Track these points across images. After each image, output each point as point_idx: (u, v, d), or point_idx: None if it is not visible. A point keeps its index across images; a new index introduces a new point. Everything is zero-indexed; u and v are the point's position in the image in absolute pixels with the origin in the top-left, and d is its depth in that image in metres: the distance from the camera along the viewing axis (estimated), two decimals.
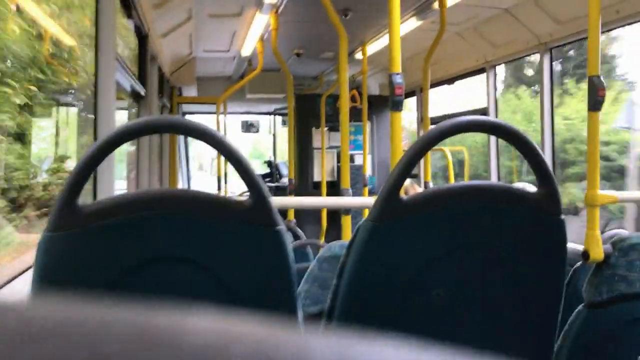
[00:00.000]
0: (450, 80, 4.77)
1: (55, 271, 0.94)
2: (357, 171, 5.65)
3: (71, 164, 2.36)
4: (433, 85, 4.48)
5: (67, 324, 0.15)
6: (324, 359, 0.15)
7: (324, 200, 3.77)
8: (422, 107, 4.55)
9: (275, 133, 8.06)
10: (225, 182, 5.39)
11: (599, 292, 1.55)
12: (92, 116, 2.08)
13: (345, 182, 2.63)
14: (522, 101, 8.99)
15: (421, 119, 4.87)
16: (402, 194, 1.10)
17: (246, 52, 4.92)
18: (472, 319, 1.13)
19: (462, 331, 1.13)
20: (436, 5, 3.41)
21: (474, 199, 1.11)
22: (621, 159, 7.48)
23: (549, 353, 1.17)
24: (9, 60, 1.81)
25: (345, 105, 2.62)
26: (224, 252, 0.99)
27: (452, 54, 4.34)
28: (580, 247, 1.66)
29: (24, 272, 1.50)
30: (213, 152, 12.66)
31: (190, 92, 6.14)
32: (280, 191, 6.82)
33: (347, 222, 2.57)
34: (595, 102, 1.77)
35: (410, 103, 5.81)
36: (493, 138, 4.07)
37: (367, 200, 2.30)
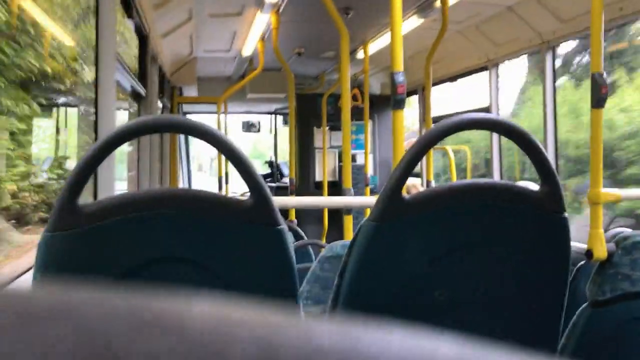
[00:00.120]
0: (452, 79, 4.76)
1: (55, 271, 0.94)
2: (358, 171, 5.64)
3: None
4: (435, 84, 4.48)
5: (66, 308, 0.15)
6: (327, 343, 0.15)
7: (326, 200, 3.76)
8: (424, 105, 4.55)
9: (276, 133, 8.06)
10: (227, 182, 5.39)
11: (602, 291, 1.55)
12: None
13: (347, 182, 2.62)
14: (564, 92, 7.37)
15: (423, 118, 4.86)
16: (404, 193, 1.09)
17: (247, 51, 4.92)
18: (475, 318, 1.12)
19: (465, 330, 1.12)
20: (438, 3, 3.40)
21: (476, 198, 1.10)
22: None
23: (552, 352, 1.16)
24: None
25: (346, 104, 2.61)
26: (225, 252, 0.98)
27: (454, 53, 4.33)
28: (584, 246, 1.65)
29: (24, 272, 1.49)
30: (212, 152, 12.70)
31: (191, 92, 6.14)
32: (281, 191, 6.81)
33: (348, 222, 2.56)
34: (598, 99, 1.77)
35: (415, 102, 5.78)
36: (495, 136, 4.06)
37: (369, 200, 2.29)
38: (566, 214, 1.12)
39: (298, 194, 5.20)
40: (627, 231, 1.68)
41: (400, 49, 1.93)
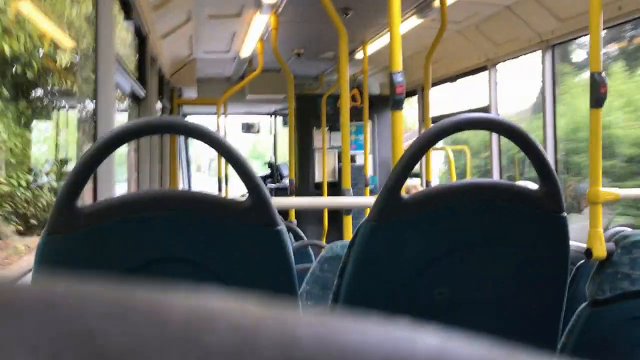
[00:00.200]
0: (451, 79, 4.76)
1: (54, 273, 0.94)
2: (358, 171, 5.64)
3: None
4: (434, 84, 4.48)
5: (46, 300, 0.15)
6: (305, 333, 0.15)
7: (325, 201, 3.76)
8: (423, 106, 4.55)
9: (275, 134, 8.06)
10: (226, 184, 5.39)
11: (602, 290, 1.55)
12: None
13: (347, 182, 2.62)
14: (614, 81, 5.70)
15: (422, 118, 4.86)
16: (403, 193, 1.09)
17: (246, 52, 4.92)
18: (474, 317, 1.12)
19: (464, 330, 1.12)
20: (437, 3, 3.40)
21: (475, 197, 1.10)
22: None
23: (552, 351, 1.16)
24: None
25: (345, 105, 2.62)
26: (225, 253, 0.98)
27: (453, 52, 4.33)
28: (583, 245, 1.65)
29: (24, 274, 1.49)
30: (211, 153, 12.68)
31: (191, 93, 6.14)
32: (281, 192, 6.81)
33: (348, 222, 2.56)
34: (597, 99, 1.77)
35: (416, 102, 5.75)
36: (495, 136, 4.06)
37: (368, 200, 2.29)
38: (565, 214, 1.12)
39: (298, 195, 5.19)
40: (627, 230, 1.68)
41: (399, 49, 1.93)
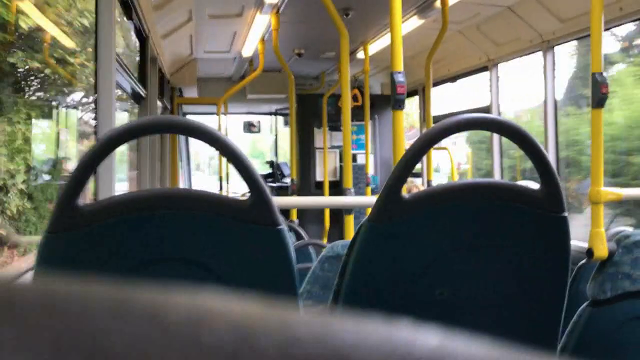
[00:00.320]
0: (452, 79, 4.76)
1: (55, 272, 0.94)
2: (359, 171, 5.64)
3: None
4: (436, 84, 4.48)
5: (47, 299, 0.15)
6: (304, 332, 0.15)
7: (326, 200, 3.76)
8: (424, 105, 4.55)
9: (276, 133, 8.06)
10: (227, 183, 5.39)
11: (603, 290, 1.54)
12: None
13: (348, 182, 2.62)
14: None
15: (424, 118, 4.86)
16: (404, 193, 1.09)
17: (247, 52, 4.92)
18: (475, 317, 1.12)
19: (465, 329, 1.12)
20: (438, 3, 3.40)
21: (476, 197, 1.10)
22: None
23: (553, 351, 1.16)
24: None
25: (346, 104, 2.62)
26: (226, 252, 0.98)
27: (455, 53, 4.33)
28: (585, 245, 1.65)
29: (24, 273, 1.49)
30: (210, 152, 12.66)
31: (191, 93, 6.14)
32: (282, 191, 6.82)
33: (349, 221, 2.57)
34: (599, 99, 1.77)
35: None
36: (496, 136, 4.06)
37: (369, 200, 2.29)
38: (566, 213, 1.12)
39: (299, 194, 5.20)
40: (628, 230, 1.68)
41: (400, 49, 1.93)
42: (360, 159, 5.88)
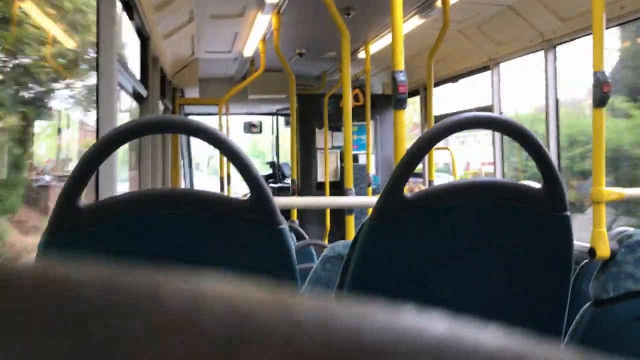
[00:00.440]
0: (454, 78, 4.76)
1: None
2: (360, 171, 5.64)
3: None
4: (437, 84, 4.47)
5: (44, 282, 0.15)
6: (306, 317, 0.15)
7: (327, 200, 3.76)
8: (425, 105, 4.54)
9: (277, 133, 8.06)
10: (229, 183, 5.39)
11: (605, 290, 1.54)
12: None
13: (349, 182, 2.62)
14: None
15: (425, 118, 4.85)
16: (406, 192, 1.08)
17: (248, 52, 4.92)
18: (477, 317, 1.12)
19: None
20: (439, 3, 3.40)
21: (478, 196, 1.10)
22: None
23: None
24: None
25: (348, 104, 2.61)
26: (227, 251, 0.98)
27: (456, 52, 4.32)
28: (587, 245, 1.65)
29: None
30: (209, 151, 12.63)
31: (193, 93, 6.14)
32: (283, 192, 6.81)
33: (350, 222, 2.56)
34: (600, 98, 1.77)
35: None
36: (497, 135, 4.05)
37: (371, 200, 2.29)
38: (568, 213, 1.11)
39: (300, 194, 5.19)
40: (630, 230, 1.68)
41: (401, 49, 1.93)
42: (362, 159, 5.87)
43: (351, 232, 2.54)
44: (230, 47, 4.86)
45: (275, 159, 8.12)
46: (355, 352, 0.14)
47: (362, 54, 4.73)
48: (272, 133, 8.14)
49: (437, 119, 3.79)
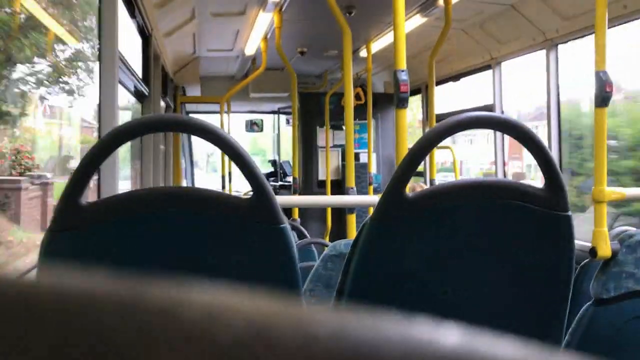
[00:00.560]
0: (455, 77, 4.75)
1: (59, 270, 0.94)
2: (362, 169, 5.64)
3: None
4: (439, 83, 4.47)
5: (60, 296, 0.15)
6: (322, 330, 0.15)
7: (329, 199, 3.76)
8: (427, 104, 4.54)
9: (279, 132, 8.06)
10: (230, 181, 5.39)
11: (606, 289, 1.54)
12: None
13: (350, 181, 2.62)
14: None
15: (427, 117, 4.85)
16: (408, 191, 1.09)
17: (250, 51, 4.92)
18: (479, 316, 1.12)
19: (469, 329, 1.12)
20: (441, 1, 3.39)
21: (480, 196, 1.10)
22: None
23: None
24: None
25: (349, 103, 2.61)
26: (228, 250, 0.98)
27: (458, 51, 4.32)
28: (588, 244, 1.65)
29: (28, 272, 1.49)
30: (208, 149, 12.61)
31: (194, 91, 6.14)
32: (284, 190, 6.81)
33: (351, 220, 2.56)
34: (603, 98, 1.77)
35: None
36: (499, 134, 4.05)
37: (372, 199, 2.29)
38: (570, 212, 1.11)
39: (301, 193, 5.20)
40: (632, 229, 1.68)
41: (403, 48, 1.92)
42: (363, 158, 5.87)
43: (352, 231, 2.54)
44: (232, 45, 4.86)
45: (276, 158, 8.12)
46: None
47: (363, 53, 4.73)
48: (274, 131, 8.14)
49: (439, 117, 3.79)
